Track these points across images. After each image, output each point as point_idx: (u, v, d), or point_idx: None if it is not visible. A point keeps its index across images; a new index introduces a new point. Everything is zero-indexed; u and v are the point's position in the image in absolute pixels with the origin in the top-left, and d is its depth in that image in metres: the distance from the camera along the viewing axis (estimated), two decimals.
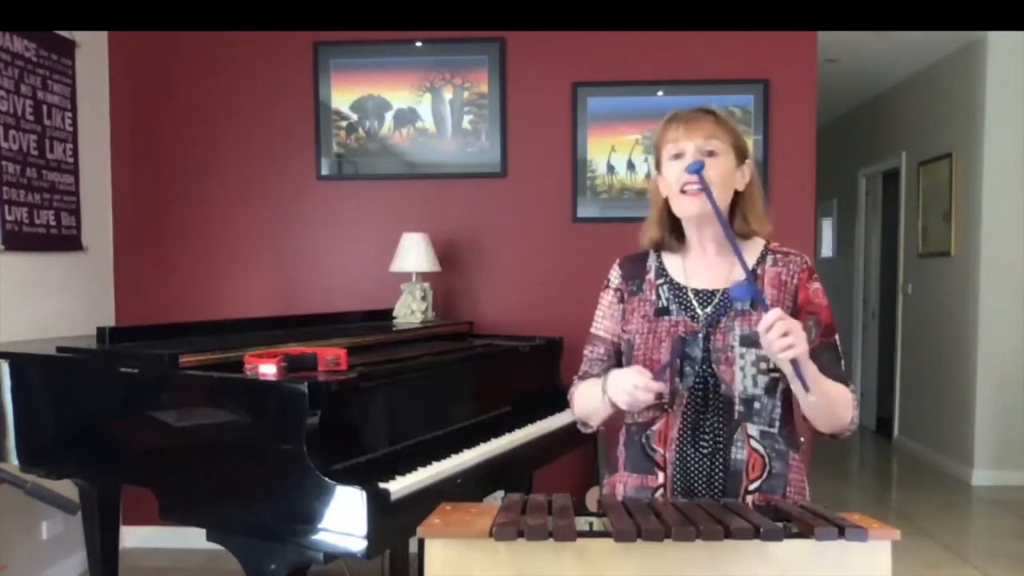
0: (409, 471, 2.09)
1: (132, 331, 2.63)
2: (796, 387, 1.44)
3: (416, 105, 3.84)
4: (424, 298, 3.48)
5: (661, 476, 1.56)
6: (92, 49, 3.74)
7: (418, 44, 3.82)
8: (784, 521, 1.29)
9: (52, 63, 3.42)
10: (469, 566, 1.24)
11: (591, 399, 1.61)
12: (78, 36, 3.59)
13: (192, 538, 2.66)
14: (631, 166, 3.80)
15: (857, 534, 1.21)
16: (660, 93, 3.78)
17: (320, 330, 2.92)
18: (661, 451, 1.56)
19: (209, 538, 2.06)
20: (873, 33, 4.77)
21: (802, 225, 3.78)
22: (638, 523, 1.23)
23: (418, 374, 2.50)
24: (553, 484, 2.40)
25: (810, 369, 1.42)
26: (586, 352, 1.72)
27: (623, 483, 1.62)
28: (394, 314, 3.49)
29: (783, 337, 1.34)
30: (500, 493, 2.20)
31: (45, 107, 3.38)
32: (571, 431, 2.84)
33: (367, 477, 1.95)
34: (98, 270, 3.81)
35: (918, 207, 5.90)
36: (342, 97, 3.85)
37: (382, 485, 1.93)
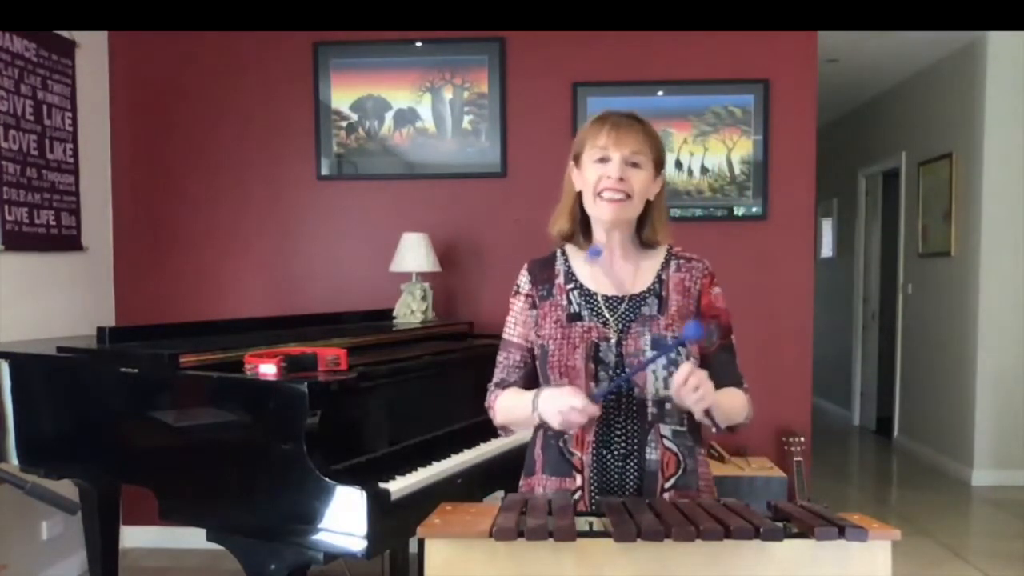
0: (409, 471, 2.09)
1: (132, 331, 2.64)
2: (705, 422, 1.53)
3: (416, 105, 3.84)
4: (424, 298, 3.49)
5: (579, 479, 1.57)
6: (92, 49, 3.74)
7: (418, 44, 3.82)
8: (784, 521, 1.29)
9: (52, 63, 3.42)
10: (469, 566, 1.24)
11: (517, 410, 1.61)
12: (78, 36, 3.59)
13: (192, 538, 2.66)
14: None
15: (857, 534, 1.21)
16: (660, 93, 3.78)
17: (320, 330, 2.91)
18: (578, 454, 1.58)
19: (209, 538, 2.06)
20: (873, 33, 4.77)
21: (802, 225, 3.78)
22: (638, 523, 1.23)
23: (418, 374, 2.50)
24: None
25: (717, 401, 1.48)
26: (500, 359, 1.72)
27: (541, 486, 1.63)
28: (394, 314, 3.49)
29: (695, 391, 1.41)
30: (500, 493, 2.20)
31: (45, 107, 3.38)
32: None
33: (367, 477, 1.95)
34: (98, 270, 3.81)
35: (918, 207, 5.90)
36: (342, 97, 3.85)
37: (382, 485, 1.93)
